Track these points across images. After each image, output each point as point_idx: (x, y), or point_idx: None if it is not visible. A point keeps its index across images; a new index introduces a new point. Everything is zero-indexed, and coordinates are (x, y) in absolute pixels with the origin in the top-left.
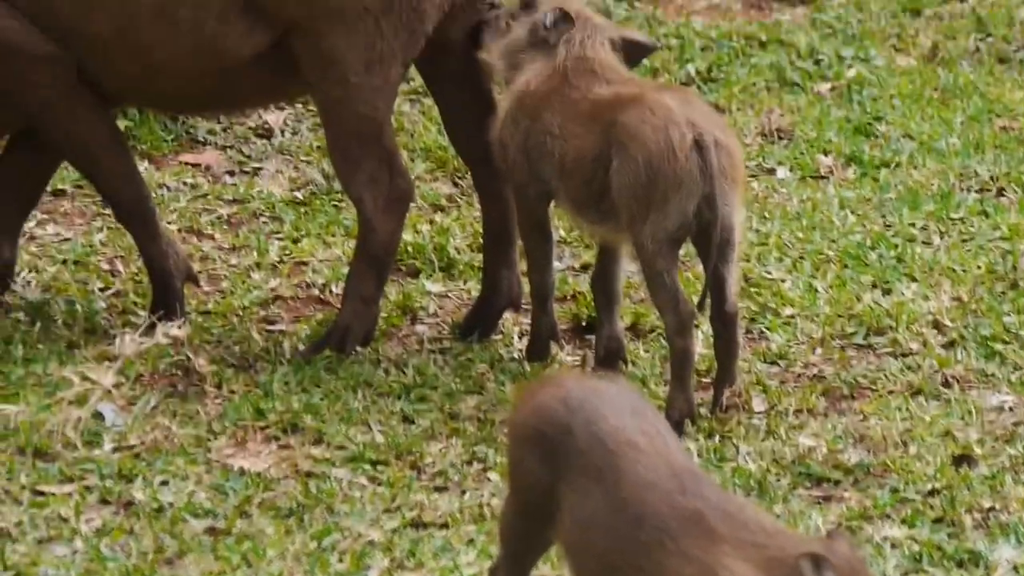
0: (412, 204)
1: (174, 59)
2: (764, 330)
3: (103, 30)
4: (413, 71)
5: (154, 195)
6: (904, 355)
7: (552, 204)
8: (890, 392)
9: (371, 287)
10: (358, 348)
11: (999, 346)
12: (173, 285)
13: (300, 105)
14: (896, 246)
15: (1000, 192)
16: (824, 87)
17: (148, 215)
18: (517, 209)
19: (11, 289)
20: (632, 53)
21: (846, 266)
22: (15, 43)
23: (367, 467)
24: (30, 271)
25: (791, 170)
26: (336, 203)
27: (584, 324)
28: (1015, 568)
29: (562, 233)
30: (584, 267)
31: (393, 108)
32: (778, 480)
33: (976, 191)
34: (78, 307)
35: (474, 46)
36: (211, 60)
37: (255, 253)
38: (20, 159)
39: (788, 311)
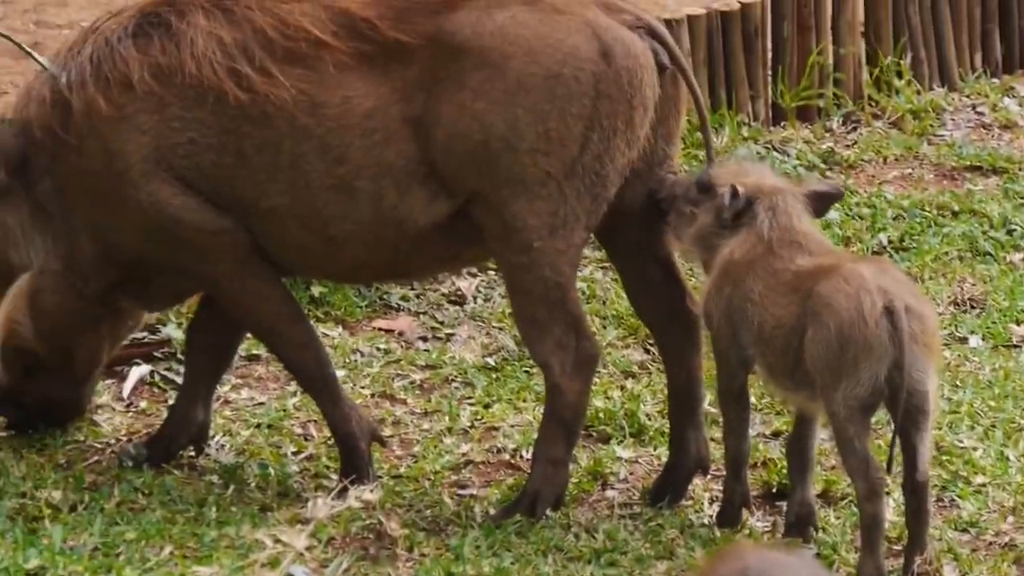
0: (603, 370)
1: (352, 231)
2: (955, 498)
3: (279, 203)
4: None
5: (348, 360)
6: None
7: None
8: None
9: (560, 450)
10: (548, 512)
11: None
12: (358, 447)
13: (492, 272)
14: None
15: None
16: (1017, 257)
17: (328, 380)
18: (718, 376)
19: (205, 452)
20: (820, 204)
21: None
22: (190, 221)
23: None
24: (224, 435)
25: (983, 339)
26: (527, 369)
27: (774, 491)
28: None
29: (753, 400)
30: (775, 434)
31: (577, 272)
32: None
33: None
34: (271, 470)
35: (655, 217)
36: (390, 231)
37: (447, 418)
38: (212, 323)
39: (979, 479)
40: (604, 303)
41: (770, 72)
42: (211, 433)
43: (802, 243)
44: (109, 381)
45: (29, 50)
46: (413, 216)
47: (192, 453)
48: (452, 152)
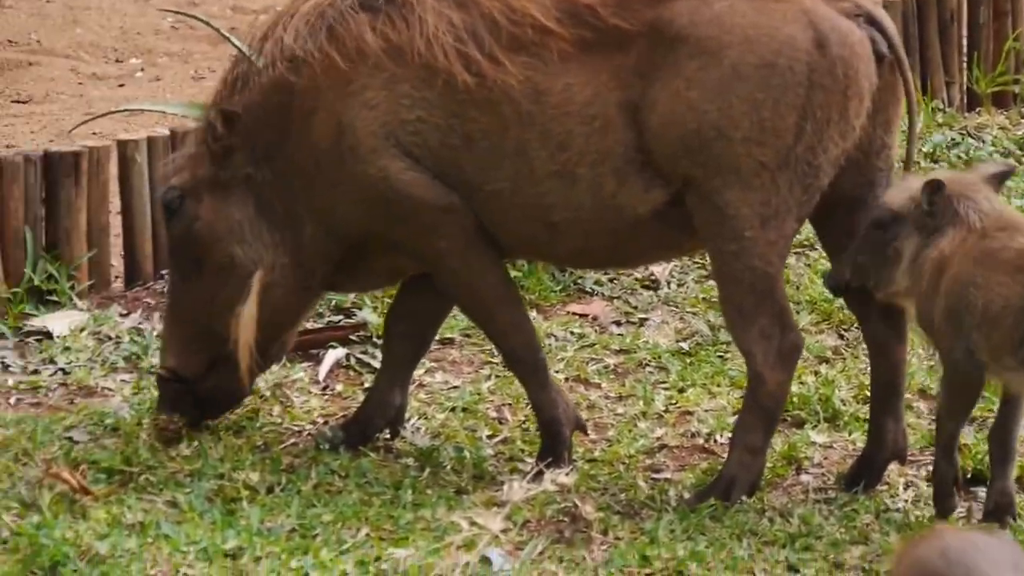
0: None
1: (573, 218)
2: None
3: (502, 188)
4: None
5: (542, 344)
6: None
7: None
8: None
9: (759, 438)
10: (743, 497)
11: None
12: (562, 433)
13: (686, 257)
14: None
15: None
16: None
17: (539, 364)
18: (947, 375)
19: (401, 435)
20: (997, 183)
21: None
22: (420, 196)
23: None
24: (419, 418)
25: None
26: (721, 354)
27: (968, 476)
28: None
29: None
30: (971, 420)
31: (784, 260)
32: None
33: None
34: (467, 453)
35: (868, 205)
36: (609, 218)
37: (641, 402)
38: (412, 311)
39: None
40: (798, 288)
41: (965, 58)
42: (407, 416)
43: (1015, 223)
44: (305, 364)
45: (227, 35)
46: (631, 203)
47: (388, 436)
48: (666, 139)
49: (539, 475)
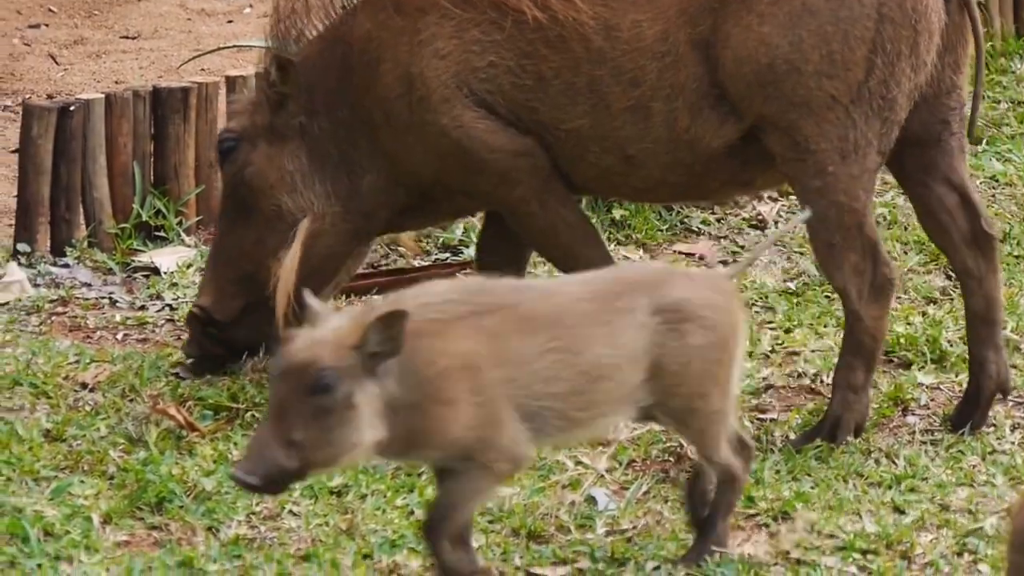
0: (904, 296)
1: (649, 151)
2: None
3: (579, 125)
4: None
5: None
6: None
7: None
8: None
9: (860, 376)
10: (849, 438)
11: None
12: None
13: (793, 197)
14: None
15: None
16: None
17: None
18: None
19: None
20: None
21: None
22: (494, 144)
23: (857, 556)
24: None
25: None
26: (828, 294)
27: None
28: None
29: None
30: None
31: (873, 197)
32: None
33: None
34: None
35: (945, 140)
36: (684, 152)
37: (747, 342)
38: (501, 242)
39: None
40: (906, 228)
41: None
42: None
43: None
44: None
45: None
46: (706, 138)
47: None
48: (739, 74)
49: None
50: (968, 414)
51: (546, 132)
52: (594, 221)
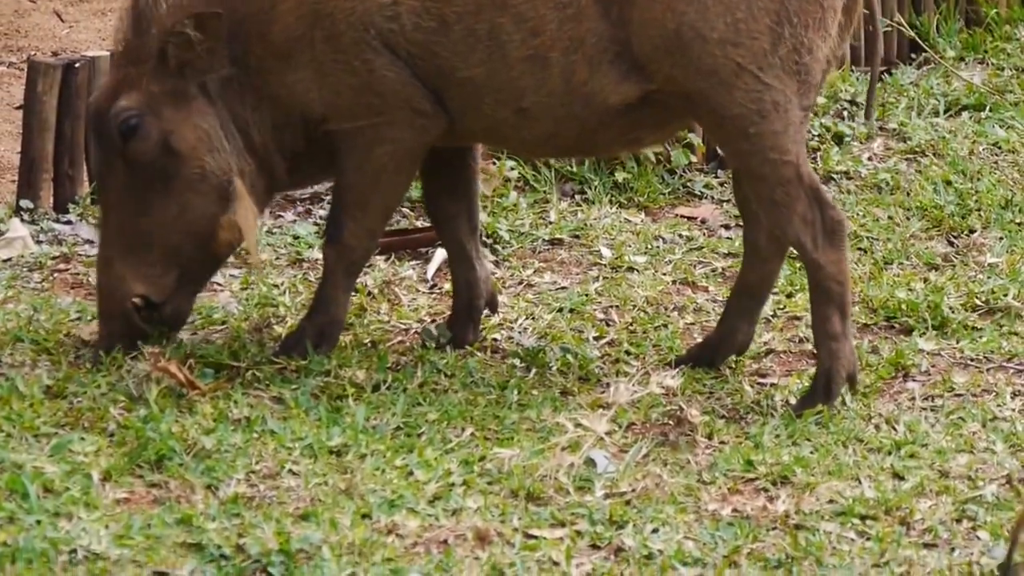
0: (906, 261)
1: (544, 104)
2: None
3: (476, 74)
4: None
5: (650, 247)
6: None
7: None
8: None
9: (837, 324)
10: (848, 403)
11: None
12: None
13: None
14: None
15: None
16: None
17: (353, 271)
18: None
19: (508, 336)
20: None
21: None
22: (394, 92)
23: (856, 521)
24: (526, 318)
25: None
26: None
27: None
28: None
29: None
30: None
31: (805, 146)
32: None
33: None
34: (572, 355)
35: None
36: (578, 107)
37: None
38: (440, 186)
39: None
40: (908, 194)
41: None
42: (514, 316)
43: None
44: (413, 263)
45: None
46: (602, 93)
47: (494, 336)
48: (646, 36)
49: (645, 377)
50: None
51: (442, 79)
52: (596, 184)
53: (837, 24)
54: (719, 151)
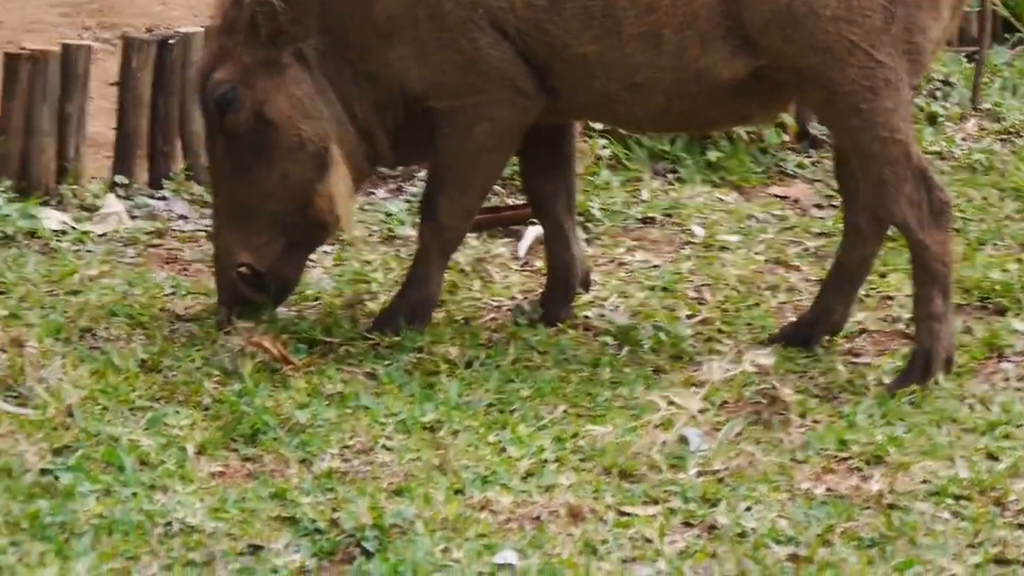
0: (1000, 243)
1: (655, 80)
2: None
3: (589, 51)
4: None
5: (742, 226)
6: None
7: None
8: None
9: (939, 305)
10: (942, 382)
11: None
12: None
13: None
14: None
15: None
16: None
17: (446, 251)
18: None
19: (600, 314)
20: None
21: None
22: (498, 71)
23: (950, 501)
24: (619, 296)
25: None
26: None
27: None
28: None
29: None
30: None
31: (912, 126)
32: None
33: None
34: (664, 333)
35: None
36: (690, 83)
37: None
38: (540, 168)
39: None
40: (1003, 175)
41: None
42: (606, 294)
43: None
44: (506, 240)
45: None
46: (715, 69)
47: (587, 314)
48: (759, 12)
49: (738, 356)
50: None
51: (552, 56)
52: (688, 163)
53: (949, 6)
54: (812, 130)
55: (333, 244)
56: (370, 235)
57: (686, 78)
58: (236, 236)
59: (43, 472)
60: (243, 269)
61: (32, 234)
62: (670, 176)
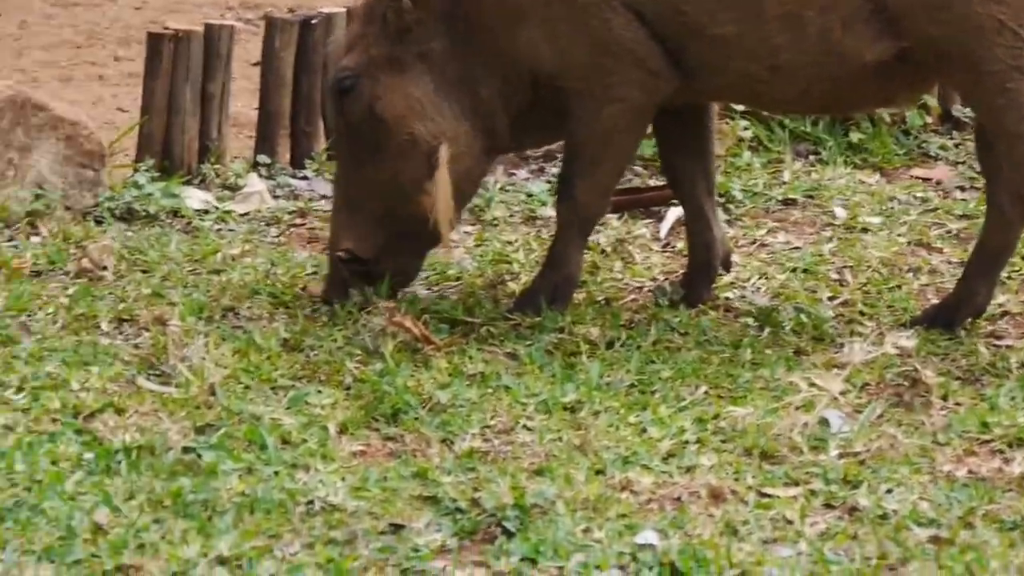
0: None
1: (797, 62)
2: None
3: (728, 32)
4: None
5: (884, 207)
6: None
7: None
8: None
9: None
10: None
11: None
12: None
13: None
14: None
15: None
16: None
17: (585, 230)
18: None
19: (741, 295)
20: None
21: None
22: (630, 52)
23: None
24: (760, 277)
25: None
26: None
27: None
28: None
29: None
30: None
31: None
32: None
33: None
34: (806, 315)
35: None
36: (833, 65)
37: None
38: (678, 149)
39: None
40: None
41: None
42: (746, 276)
43: None
44: (647, 221)
45: None
46: (858, 52)
47: (728, 295)
48: None
49: (880, 338)
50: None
51: (689, 37)
52: (830, 144)
53: None
54: (955, 112)
55: (474, 225)
56: (511, 215)
57: (828, 61)
58: (344, 221)
59: (186, 450)
60: (343, 254)
61: (175, 213)
62: (812, 158)
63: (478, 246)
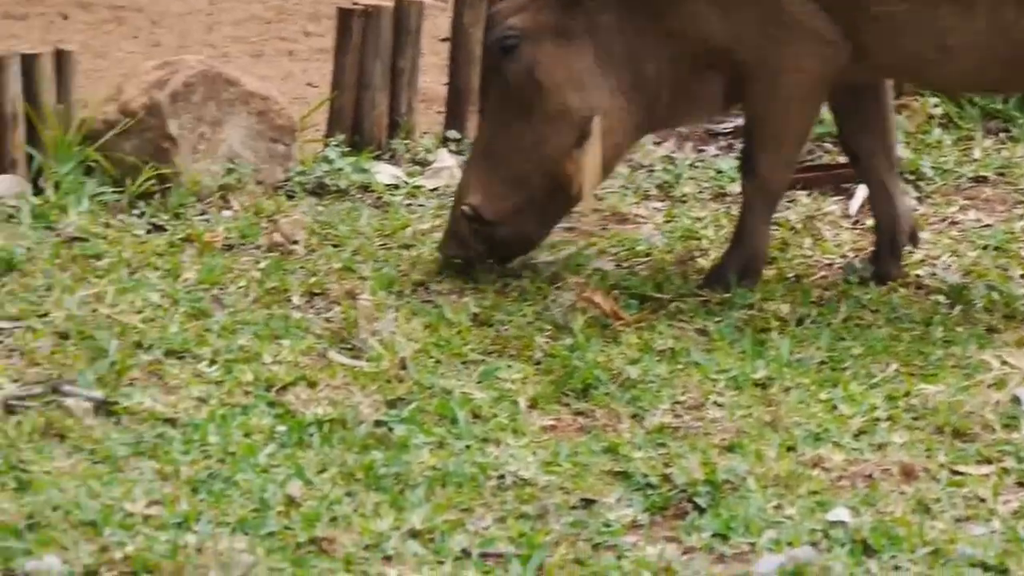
0: None
1: (968, 43)
2: None
3: (897, 11)
4: None
5: None
6: None
7: None
8: None
9: None
10: None
11: None
12: None
13: None
14: None
15: None
16: None
17: (771, 206)
18: None
19: (932, 272)
20: None
21: None
22: (800, 23)
23: None
24: (951, 255)
25: None
26: None
27: None
28: None
29: None
30: None
31: None
32: None
33: None
34: (997, 292)
35: None
36: (1003, 46)
37: None
38: (858, 125)
39: None
40: None
41: None
42: (937, 253)
43: None
44: (837, 198)
45: None
46: None
47: (918, 272)
48: None
49: None
50: None
51: (858, 12)
52: (1021, 122)
53: None
54: None
55: (663, 201)
56: (700, 192)
57: (999, 43)
58: (477, 177)
59: (377, 424)
60: (467, 209)
61: (365, 188)
62: (1002, 135)
63: (667, 222)
